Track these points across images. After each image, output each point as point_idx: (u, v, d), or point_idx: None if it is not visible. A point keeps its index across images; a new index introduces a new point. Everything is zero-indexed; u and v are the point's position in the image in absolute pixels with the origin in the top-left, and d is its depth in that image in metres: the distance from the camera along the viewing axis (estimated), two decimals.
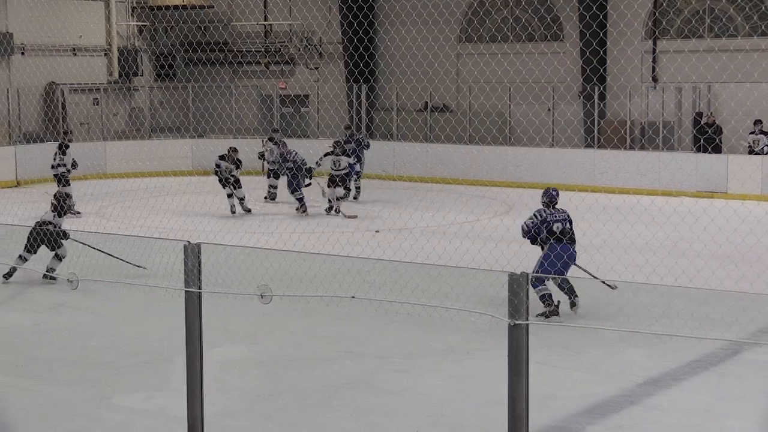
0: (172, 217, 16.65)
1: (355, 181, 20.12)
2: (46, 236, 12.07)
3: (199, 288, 5.79)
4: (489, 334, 9.22)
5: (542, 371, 8.04)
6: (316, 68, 28.74)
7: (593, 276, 10.89)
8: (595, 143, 22.85)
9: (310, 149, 21.28)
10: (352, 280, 10.26)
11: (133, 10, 29.19)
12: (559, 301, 10.32)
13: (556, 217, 10.56)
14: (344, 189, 18.82)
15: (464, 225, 16.72)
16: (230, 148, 18.58)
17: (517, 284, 4.81)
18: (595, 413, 7.80)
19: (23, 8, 25.78)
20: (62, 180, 18.52)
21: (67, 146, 18.95)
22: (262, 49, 29.23)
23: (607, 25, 23.49)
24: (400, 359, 9.24)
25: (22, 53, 26.03)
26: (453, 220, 17.40)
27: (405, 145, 24.55)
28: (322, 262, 11.89)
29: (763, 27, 22.84)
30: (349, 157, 19.08)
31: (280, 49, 29.05)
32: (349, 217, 17.88)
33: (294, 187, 18.47)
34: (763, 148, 21.07)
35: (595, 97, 22.52)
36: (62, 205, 12.74)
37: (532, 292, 9.53)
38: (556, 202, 10.68)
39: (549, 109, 23.79)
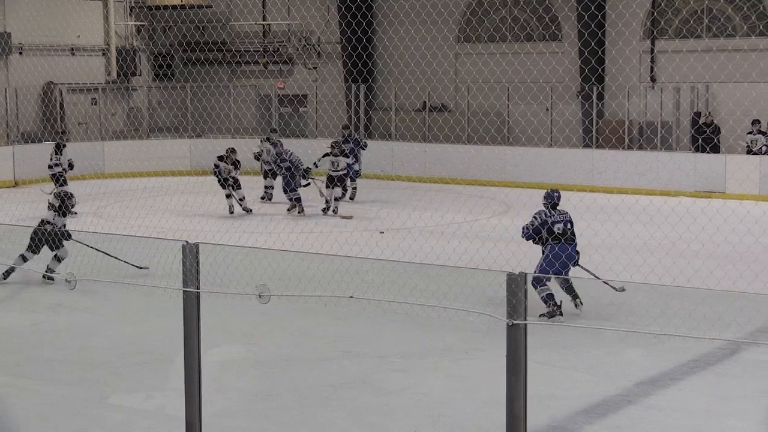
0: (171, 217, 16.65)
1: (352, 181, 20.09)
2: (48, 236, 12.04)
3: (198, 288, 5.79)
4: (487, 333, 9.22)
5: (541, 371, 8.04)
6: (315, 68, 28.74)
7: (597, 277, 10.90)
8: (594, 143, 22.86)
9: (308, 149, 21.29)
10: (351, 280, 10.26)
11: (131, 10, 29.19)
12: (561, 301, 10.33)
13: (556, 218, 10.57)
14: (342, 189, 18.80)
15: (462, 225, 16.72)
16: (228, 148, 18.54)
17: (515, 284, 4.81)
18: (594, 413, 7.81)
19: (21, 8, 25.78)
20: (59, 180, 18.56)
21: (64, 146, 18.97)
22: (261, 49, 29.23)
23: (606, 25, 23.50)
24: (399, 359, 9.24)
25: (20, 53, 26.03)
26: (451, 219, 17.41)
27: (403, 144, 24.56)
28: (321, 262, 11.90)
29: (761, 27, 22.87)
30: (348, 157, 19.06)
31: (278, 48, 29.05)
32: (345, 217, 17.87)
33: (292, 187, 18.44)
34: (761, 148, 21.09)
35: (594, 97, 22.53)
36: (64, 205, 12.67)
37: (533, 292, 9.61)
38: (558, 204, 10.70)
39: (547, 109, 23.81)
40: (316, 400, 8.08)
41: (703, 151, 21.01)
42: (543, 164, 22.33)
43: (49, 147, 19.48)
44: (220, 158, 18.32)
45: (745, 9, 23.10)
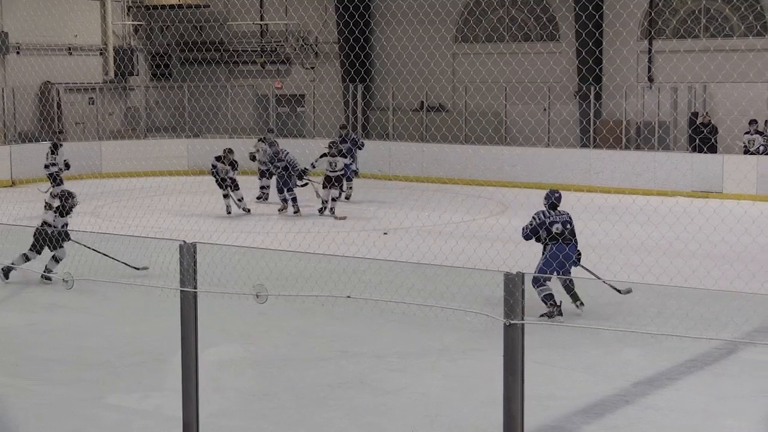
0: (168, 217, 16.64)
1: (348, 181, 20.05)
2: (47, 237, 12.02)
3: (195, 288, 5.78)
4: (485, 333, 9.22)
5: (538, 371, 8.04)
6: (312, 68, 28.74)
7: (599, 278, 10.90)
8: (591, 143, 22.87)
9: (306, 149, 21.28)
10: (348, 280, 10.26)
11: (128, 10, 29.18)
12: (560, 301, 10.34)
13: (554, 218, 10.58)
14: (339, 190, 18.78)
15: (460, 225, 16.72)
16: (226, 149, 18.52)
17: (512, 284, 4.81)
18: (591, 413, 7.81)
19: (18, 7, 25.76)
20: (56, 179, 18.54)
21: (60, 146, 18.95)
22: (258, 49, 29.22)
23: (603, 25, 23.51)
24: (396, 359, 9.24)
25: (18, 52, 26.00)
26: (449, 219, 17.41)
27: (401, 144, 24.56)
28: (318, 261, 11.90)
29: (758, 27, 22.88)
30: (345, 157, 19.04)
31: (276, 48, 29.04)
32: (339, 218, 17.84)
33: (289, 187, 18.40)
34: (758, 148, 21.11)
35: (591, 96, 22.54)
36: (65, 204, 12.63)
37: (531, 292, 9.60)
38: (558, 205, 10.71)
39: (545, 109, 23.81)
40: (313, 399, 8.08)
41: (700, 151, 21.03)
42: (540, 164, 22.34)
43: (46, 146, 19.47)
44: (218, 158, 18.30)
45: (742, 9, 23.11)
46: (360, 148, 20.69)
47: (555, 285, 10.53)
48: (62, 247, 12.16)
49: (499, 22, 25.93)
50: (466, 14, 26.37)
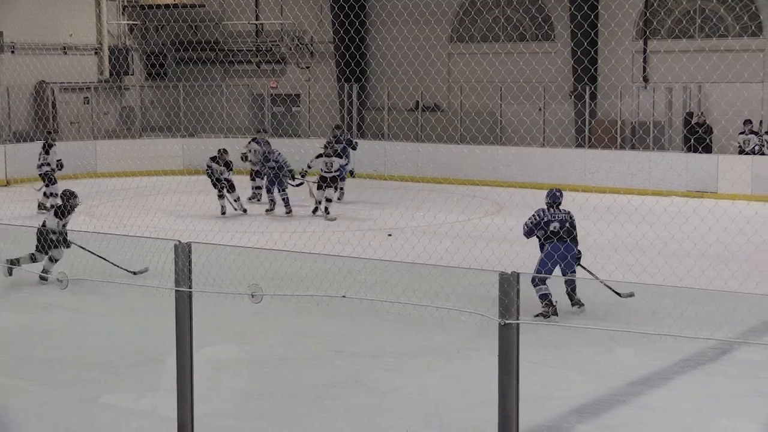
0: (163, 217, 16.62)
1: (341, 181, 19.96)
2: (46, 237, 11.99)
3: (190, 287, 5.78)
4: (480, 333, 9.23)
5: (533, 370, 8.05)
6: (308, 67, 28.73)
7: (597, 278, 10.91)
8: (586, 143, 22.89)
9: (301, 149, 21.28)
10: (343, 280, 10.26)
11: (123, 9, 29.14)
12: (556, 301, 10.36)
13: (552, 217, 10.60)
14: (339, 190, 18.74)
15: (455, 224, 16.73)
16: (220, 149, 18.50)
17: (507, 284, 4.82)
18: (586, 412, 7.82)
19: (13, 7, 25.72)
20: (50, 179, 18.47)
21: (51, 145, 18.89)
22: (254, 49, 29.21)
23: (598, 25, 23.54)
24: (392, 359, 9.25)
25: (12, 52, 25.96)
26: (444, 219, 17.42)
27: (396, 144, 24.56)
28: (313, 261, 11.90)
29: (753, 27, 22.92)
30: (341, 157, 19.02)
31: (271, 48, 29.03)
32: (330, 219, 17.81)
33: (283, 188, 18.36)
34: (753, 148, 21.15)
35: (586, 96, 22.56)
36: (66, 204, 12.59)
37: (525, 292, 9.58)
38: (559, 203, 10.75)
39: (540, 109, 23.82)
40: (308, 399, 8.08)
41: (695, 151, 21.05)
42: (535, 164, 22.36)
43: (40, 146, 19.45)
44: (213, 159, 18.29)
45: (737, 9, 23.15)
46: (354, 149, 20.63)
47: (555, 285, 10.54)
48: (57, 247, 12.14)
49: (494, 22, 25.95)
50: (461, 14, 26.38)
